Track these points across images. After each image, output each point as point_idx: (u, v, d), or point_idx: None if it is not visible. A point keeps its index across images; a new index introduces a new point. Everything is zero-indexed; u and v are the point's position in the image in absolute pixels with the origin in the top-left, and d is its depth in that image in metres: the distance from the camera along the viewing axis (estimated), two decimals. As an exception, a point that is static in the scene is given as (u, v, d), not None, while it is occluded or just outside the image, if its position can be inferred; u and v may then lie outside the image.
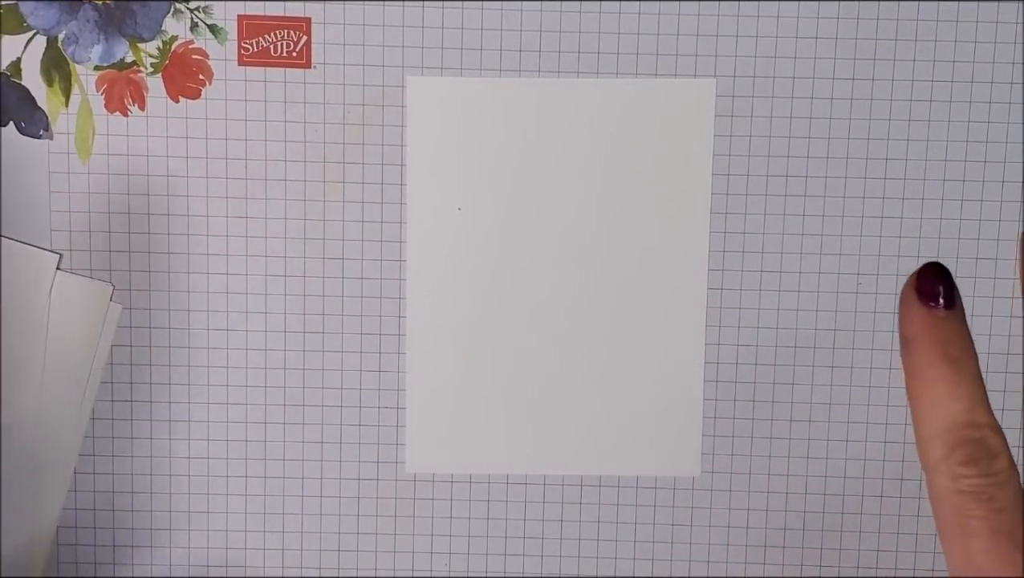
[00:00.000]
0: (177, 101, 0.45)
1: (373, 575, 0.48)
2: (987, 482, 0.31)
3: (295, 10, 0.45)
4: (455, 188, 0.46)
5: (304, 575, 0.48)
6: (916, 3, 0.45)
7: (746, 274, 0.46)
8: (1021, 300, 0.46)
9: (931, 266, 0.33)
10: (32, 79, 0.45)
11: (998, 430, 0.31)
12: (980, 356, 0.46)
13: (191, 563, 0.48)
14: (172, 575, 0.48)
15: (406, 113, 0.45)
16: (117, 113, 0.45)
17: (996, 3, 0.45)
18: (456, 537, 0.48)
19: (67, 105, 0.45)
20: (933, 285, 0.32)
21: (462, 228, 0.46)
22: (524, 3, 0.45)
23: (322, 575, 0.48)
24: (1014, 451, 0.46)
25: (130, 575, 0.48)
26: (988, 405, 0.32)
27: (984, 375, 0.43)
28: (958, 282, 0.45)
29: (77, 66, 0.45)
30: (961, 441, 0.31)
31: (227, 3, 0.44)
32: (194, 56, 0.45)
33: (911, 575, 0.48)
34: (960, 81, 0.45)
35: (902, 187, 0.46)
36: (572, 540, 0.48)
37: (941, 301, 0.32)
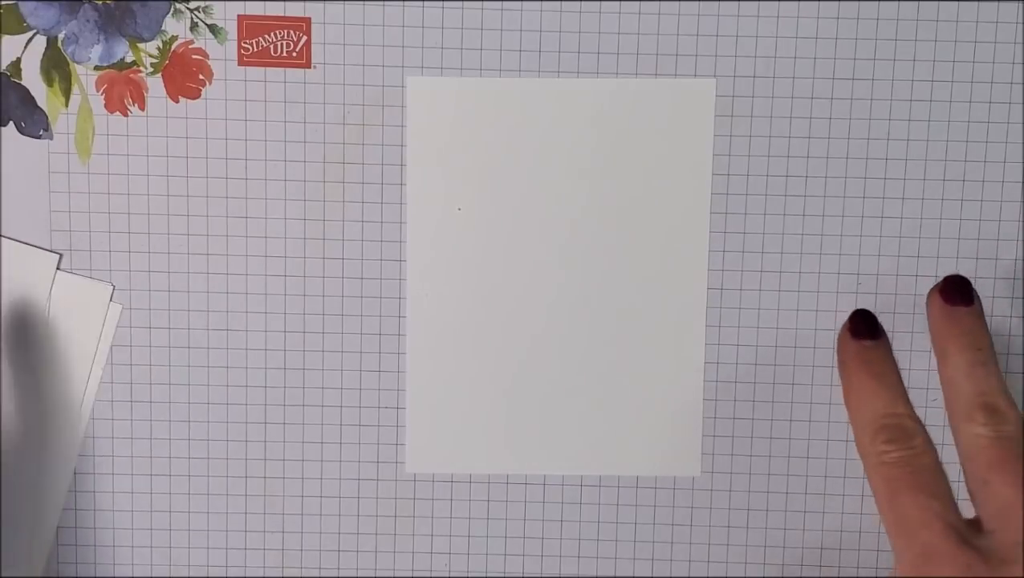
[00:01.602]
0: (177, 101, 0.45)
1: (373, 575, 0.48)
2: (907, 454, 0.38)
3: (295, 10, 0.45)
4: (455, 188, 0.46)
5: (304, 575, 0.48)
6: (916, 3, 0.45)
7: (746, 274, 0.46)
8: (1021, 300, 0.46)
9: (860, 313, 0.42)
10: (32, 79, 0.45)
11: (916, 418, 0.39)
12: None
13: (191, 563, 0.48)
14: (172, 575, 0.48)
15: (406, 113, 0.45)
16: (117, 113, 0.45)
17: (996, 3, 0.45)
18: (456, 537, 0.48)
19: (67, 105, 0.45)
20: (861, 326, 0.41)
21: (462, 228, 0.46)
22: (524, 3, 0.45)
23: (322, 575, 0.48)
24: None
25: (130, 575, 0.48)
26: (908, 402, 0.39)
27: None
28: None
29: (77, 66, 0.45)
30: (883, 427, 0.39)
31: (227, 3, 0.44)
32: (194, 56, 0.45)
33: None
34: (960, 81, 0.45)
35: (902, 187, 0.46)
36: (572, 540, 0.48)
37: (868, 337, 0.41)
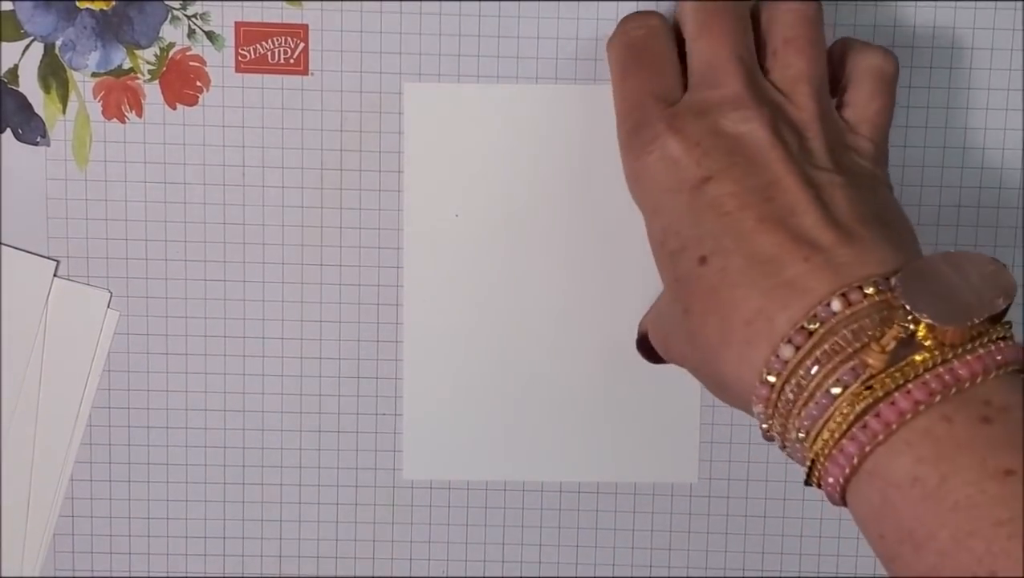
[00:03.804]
0: (174, 108, 0.45)
1: (371, 582, 0.48)
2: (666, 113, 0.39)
3: (292, 17, 0.45)
4: (453, 195, 0.46)
5: (301, 582, 0.48)
6: (913, 9, 0.45)
7: (744, 281, 0.46)
8: (1021, 306, 0.46)
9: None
10: (29, 86, 0.45)
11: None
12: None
13: (188, 570, 0.48)
14: (169, 582, 0.48)
15: (403, 120, 0.45)
16: (114, 120, 0.45)
17: (993, 10, 0.45)
18: (453, 543, 0.48)
19: (64, 112, 0.45)
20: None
21: (460, 235, 0.46)
22: (522, 8, 0.45)
23: (320, 582, 0.48)
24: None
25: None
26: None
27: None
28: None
29: (74, 73, 0.45)
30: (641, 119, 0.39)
31: (224, 8, 0.44)
32: (191, 63, 0.45)
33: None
34: (957, 88, 0.45)
35: (899, 193, 0.46)
36: (569, 546, 0.48)
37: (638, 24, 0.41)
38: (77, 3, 0.44)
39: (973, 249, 0.46)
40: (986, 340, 0.33)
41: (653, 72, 0.40)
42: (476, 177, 0.46)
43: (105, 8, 0.44)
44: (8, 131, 0.45)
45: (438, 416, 0.47)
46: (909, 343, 0.33)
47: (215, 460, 0.47)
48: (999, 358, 0.33)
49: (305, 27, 0.45)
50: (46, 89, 0.45)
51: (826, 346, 0.33)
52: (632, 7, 0.44)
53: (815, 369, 0.33)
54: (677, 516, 0.48)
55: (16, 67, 0.45)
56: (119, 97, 0.45)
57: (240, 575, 0.48)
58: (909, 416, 0.32)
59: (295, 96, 0.45)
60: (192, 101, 0.45)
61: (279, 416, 0.47)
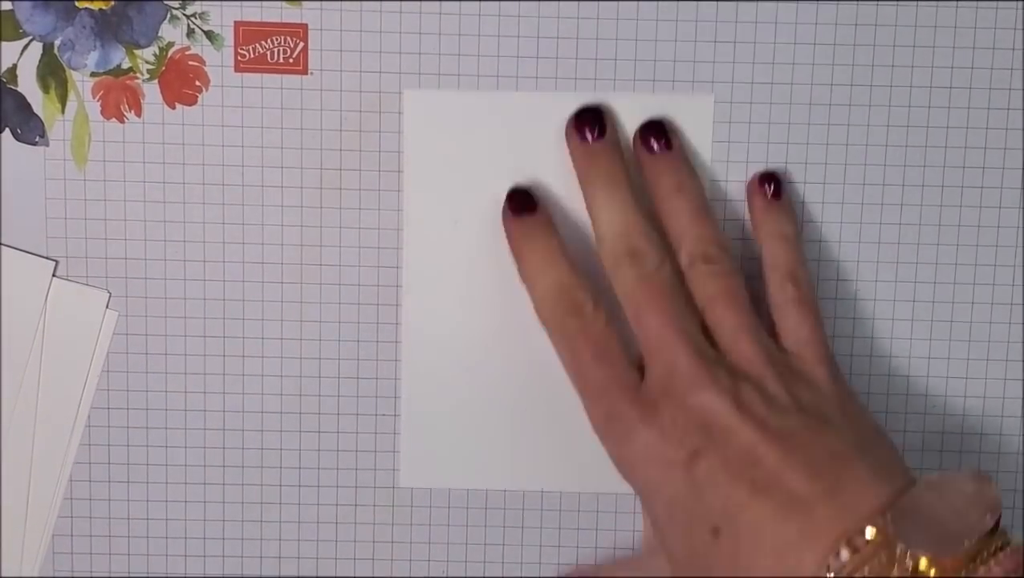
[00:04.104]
0: (174, 108, 0.45)
1: (370, 583, 0.48)
2: (582, 322, 0.42)
3: (292, 16, 0.44)
4: (452, 195, 0.46)
5: (301, 583, 0.48)
6: (914, 9, 0.45)
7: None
8: (1020, 307, 0.46)
9: (515, 191, 0.44)
10: (28, 85, 0.45)
11: (585, 288, 0.42)
12: (980, 362, 0.46)
13: (187, 571, 0.48)
14: (168, 583, 0.48)
15: (403, 120, 0.45)
16: (113, 120, 0.45)
17: (995, 9, 0.45)
18: (453, 545, 0.48)
19: (63, 112, 0.45)
20: (517, 201, 0.44)
21: (459, 235, 0.46)
22: (521, 9, 0.44)
23: (319, 583, 0.48)
24: (1014, 440, 0.46)
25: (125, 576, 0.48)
26: (575, 271, 0.42)
27: (984, 370, 0.44)
28: (953, 285, 0.45)
29: (73, 72, 0.45)
30: (560, 296, 0.42)
31: (223, 7, 0.44)
32: (191, 62, 0.45)
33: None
34: (958, 87, 0.45)
35: (900, 193, 0.46)
36: (570, 548, 0.48)
37: (526, 211, 0.44)
38: (76, 3, 0.44)
39: (974, 249, 0.46)
40: (985, 554, 0.35)
41: (610, 363, 0.41)
42: (476, 177, 0.45)
43: (104, 8, 0.44)
44: (7, 131, 0.45)
45: (436, 418, 0.47)
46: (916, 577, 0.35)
47: (214, 461, 0.47)
48: (998, 570, 0.35)
49: (305, 27, 0.45)
50: (45, 89, 0.45)
51: None
52: (632, 7, 0.44)
53: None
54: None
55: (15, 67, 0.45)
56: (118, 97, 0.45)
57: (239, 575, 0.48)
58: None
59: (295, 96, 0.45)
60: (191, 101, 0.45)
61: (278, 416, 0.47)
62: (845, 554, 0.36)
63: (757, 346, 0.41)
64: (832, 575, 0.35)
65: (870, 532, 0.36)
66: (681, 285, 0.42)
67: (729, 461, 0.38)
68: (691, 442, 0.39)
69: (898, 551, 0.35)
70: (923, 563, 0.35)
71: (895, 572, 0.35)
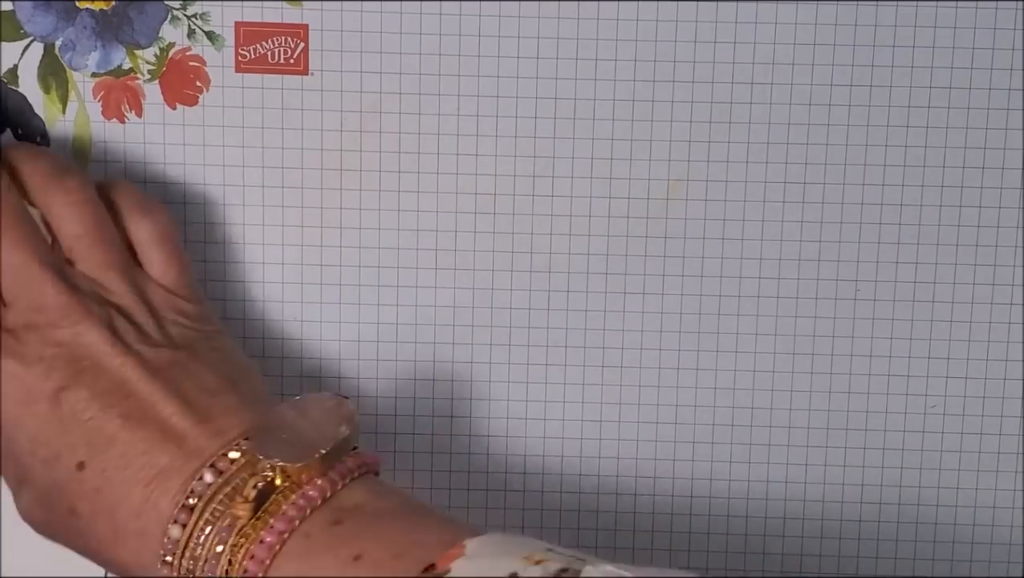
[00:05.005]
0: (174, 108, 0.45)
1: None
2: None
3: (292, 17, 0.44)
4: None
5: None
6: (914, 9, 0.45)
7: (744, 281, 0.46)
8: (1020, 307, 0.46)
9: None
10: (29, 86, 0.45)
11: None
12: (980, 362, 0.46)
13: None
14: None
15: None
16: (114, 120, 0.45)
17: (995, 10, 0.45)
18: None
19: (64, 112, 0.45)
20: None
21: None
22: (521, 9, 0.44)
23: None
24: (1014, 440, 0.46)
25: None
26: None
27: (984, 370, 0.44)
28: (954, 286, 0.45)
29: (74, 73, 0.45)
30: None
31: (224, 8, 0.44)
32: (191, 63, 0.45)
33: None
34: (958, 88, 0.45)
35: (900, 193, 0.46)
36: (569, 547, 0.48)
37: None
38: (77, 3, 0.44)
39: (973, 249, 0.46)
40: (336, 463, 0.37)
41: None
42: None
43: (105, 8, 0.44)
44: (8, 131, 0.45)
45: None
46: (272, 489, 0.36)
47: (215, 460, 0.47)
48: (343, 470, 0.37)
49: (305, 27, 0.45)
50: (46, 89, 0.45)
51: (207, 514, 0.36)
52: (632, 7, 0.44)
53: (202, 537, 0.36)
54: (678, 516, 0.48)
55: (16, 67, 0.45)
56: (119, 97, 0.45)
57: None
58: (279, 547, 0.35)
59: (295, 96, 0.45)
60: (192, 101, 0.45)
61: (279, 416, 0.47)
62: (209, 477, 0.37)
63: (128, 282, 0.41)
64: (195, 501, 0.36)
65: (234, 454, 0.37)
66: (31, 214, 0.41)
67: (99, 394, 0.38)
68: (59, 376, 0.38)
69: (258, 467, 0.36)
70: (279, 475, 0.36)
71: (249, 484, 0.36)
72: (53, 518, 0.39)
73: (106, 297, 0.40)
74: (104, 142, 0.45)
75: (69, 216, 0.41)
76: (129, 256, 0.42)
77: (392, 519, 0.36)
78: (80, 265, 0.41)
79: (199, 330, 0.41)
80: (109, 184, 0.43)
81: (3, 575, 0.47)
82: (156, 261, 0.42)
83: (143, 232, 0.42)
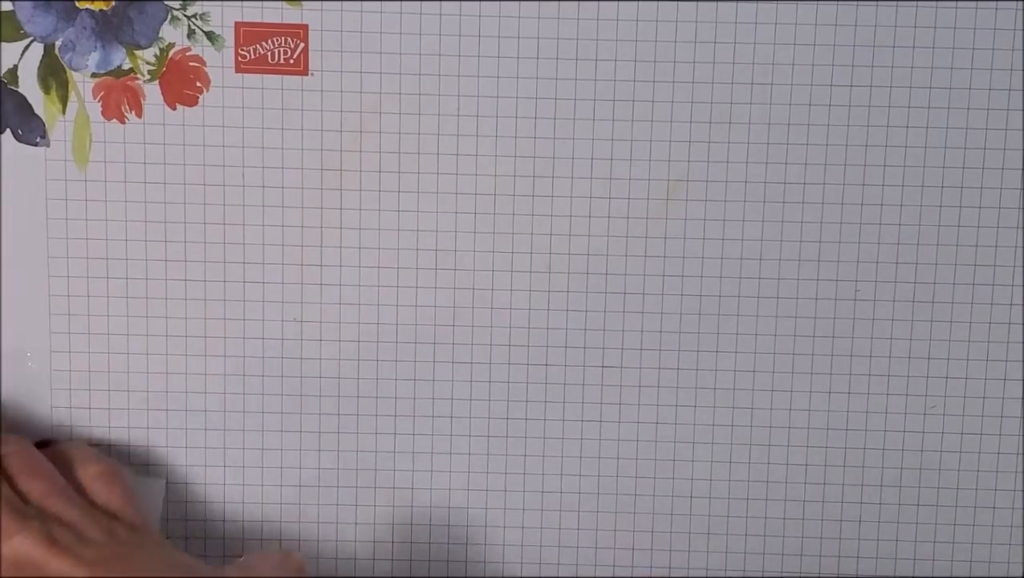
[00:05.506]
0: (174, 108, 0.45)
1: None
2: None
3: (292, 17, 0.44)
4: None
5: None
6: (914, 9, 0.45)
7: (744, 281, 0.46)
8: (1021, 307, 0.46)
9: None
10: (29, 86, 0.45)
11: None
12: (980, 362, 0.46)
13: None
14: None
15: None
16: (114, 120, 0.45)
17: (994, 10, 0.45)
18: (454, 544, 0.48)
19: (64, 112, 0.45)
20: None
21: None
22: (522, 9, 0.44)
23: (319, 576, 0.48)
24: (1014, 440, 0.46)
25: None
26: None
27: (984, 370, 0.44)
28: (954, 286, 0.45)
29: (74, 73, 0.45)
30: None
31: (224, 8, 0.44)
32: (191, 63, 0.45)
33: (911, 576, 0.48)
34: (958, 88, 0.45)
35: (900, 194, 0.46)
36: (570, 548, 0.48)
37: None
38: (77, 3, 0.44)
39: (973, 249, 0.46)
40: None
41: None
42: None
43: (105, 8, 0.44)
44: (8, 132, 0.45)
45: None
46: None
47: (215, 461, 0.47)
48: None
49: (305, 27, 0.45)
50: (46, 89, 0.45)
51: None
52: (632, 7, 0.44)
53: None
54: (677, 517, 0.48)
55: (16, 67, 0.45)
56: (119, 97, 0.45)
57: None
58: None
59: (295, 96, 0.45)
60: (192, 101, 0.45)
61: (279, 417, 0.47)
62: None
63: (69, 504, 0.41)
64: None
65: None
66: None
67: None
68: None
69: None
70: None
71: None
72: None
73: (49, 516, 0.41)
74: (104, 142, 0.45)
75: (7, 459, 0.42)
76: (65, 483, 0.42)
77: None
78: (23, 497, 0.41)
79: (139, 534, 0.42)
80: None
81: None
82: (101, 492, 0.43)
83: (87, 472, 0.43)
